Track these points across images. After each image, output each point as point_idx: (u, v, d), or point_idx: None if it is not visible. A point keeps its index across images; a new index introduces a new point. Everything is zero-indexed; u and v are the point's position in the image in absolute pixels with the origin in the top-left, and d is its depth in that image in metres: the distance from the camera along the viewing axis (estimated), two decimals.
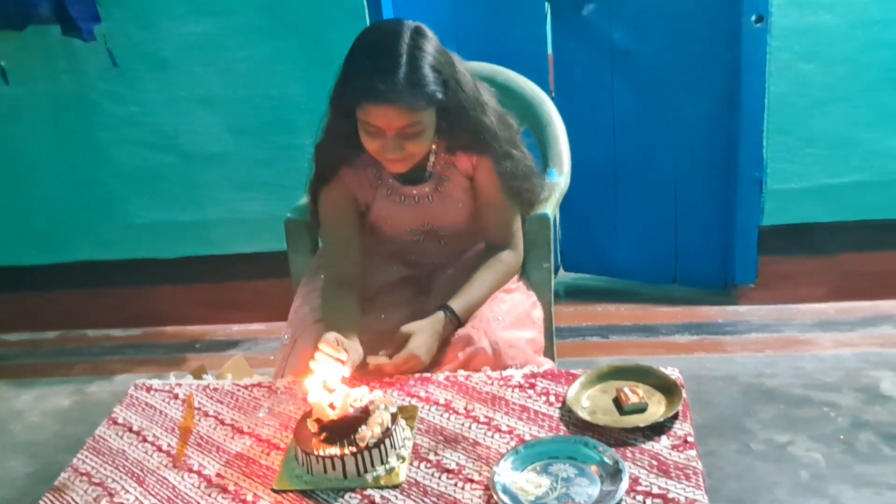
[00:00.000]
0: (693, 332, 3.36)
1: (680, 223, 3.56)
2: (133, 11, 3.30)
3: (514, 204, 2.18)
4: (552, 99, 2.58)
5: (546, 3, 3.41)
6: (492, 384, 1.85)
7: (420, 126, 1.91)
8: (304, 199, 2.49)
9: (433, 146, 2.09)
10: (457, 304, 2.05)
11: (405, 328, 1.99)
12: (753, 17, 3.08)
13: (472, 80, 2.03)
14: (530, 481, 1.52)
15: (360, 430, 1.61)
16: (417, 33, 1.90)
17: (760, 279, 3.47)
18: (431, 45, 1.91)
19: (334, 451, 1.58)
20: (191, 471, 1.69)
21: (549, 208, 2.29)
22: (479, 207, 2.18)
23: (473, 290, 2.09)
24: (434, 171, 2.13)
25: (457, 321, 2.04)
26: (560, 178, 2.43)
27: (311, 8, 3.20)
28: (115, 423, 1.89)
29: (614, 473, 1.49)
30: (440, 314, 2.03)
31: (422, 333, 1.98)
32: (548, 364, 2.07)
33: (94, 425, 1.90)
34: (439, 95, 1.91)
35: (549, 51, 3.51)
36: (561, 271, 3.82)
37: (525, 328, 2.11)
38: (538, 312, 2.22)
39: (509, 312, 2.09)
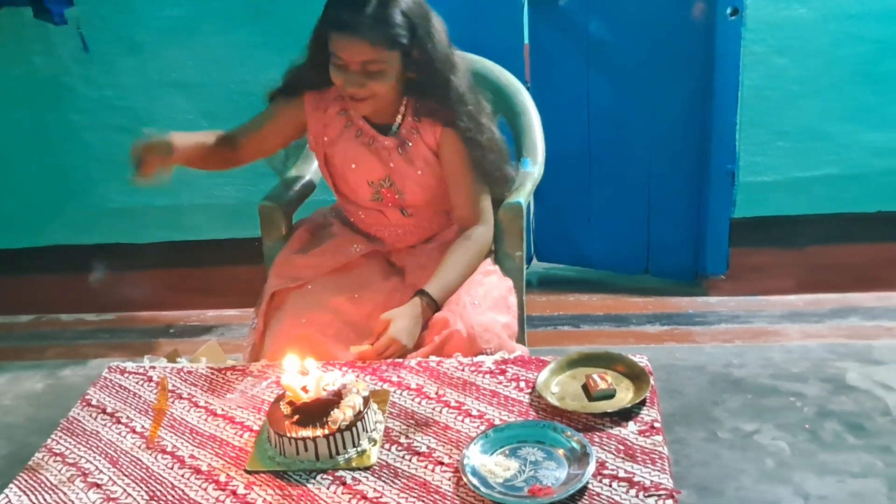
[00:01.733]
0: (663, 322, 3.39)
1: (652, 215, 3.59)
2: None
3: (480, 179, 2.20)
4: (527, 89, 2.60)
5: None
6: (463, 370, 1.87)
7: (382, 65, 1.97)
8: (279, 184, 2.52)
9: (403, 104, 2.15)
10: (433, 288, 2.08)
11: (385, 315, 2.03)
12: (728, 10, 3.11)
13: (447, 41, 2.09)
14: (499, 464, 1.54)
15: (332, 413, 1.63)
16: None
17: (731, 271, 3.51)
18: None
19: (307, 433, 1.60)
20: (164, 452, 1.71)
21: (523, 197, 2.31)
22: (448, 185, 2.21)
23: (448, 273, 2.12)
24: (401, 129, 2.17)
25: (434, 305, 2.07)
26: (534, 168, 2.45)
27: None
28: (89, 404, 1.90)
29: (581, 457, 1.52)
30: (417, 299, 2.06)
31: (402, 319, 2.01)
32: (521, 350, 2.10)
33: (67, 409, 1.90)
34: (403, 40, 1.97)
35: (526, 41, 3.52)
36: (534, 261, 3.84)
37: (501, 312, 2.13)
38: (513, 299, 2.25)
39: (486, 296, 2.12)
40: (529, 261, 3.76)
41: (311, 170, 2.63)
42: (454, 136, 2.13)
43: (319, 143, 2.24)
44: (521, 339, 2.30)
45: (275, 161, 2.53)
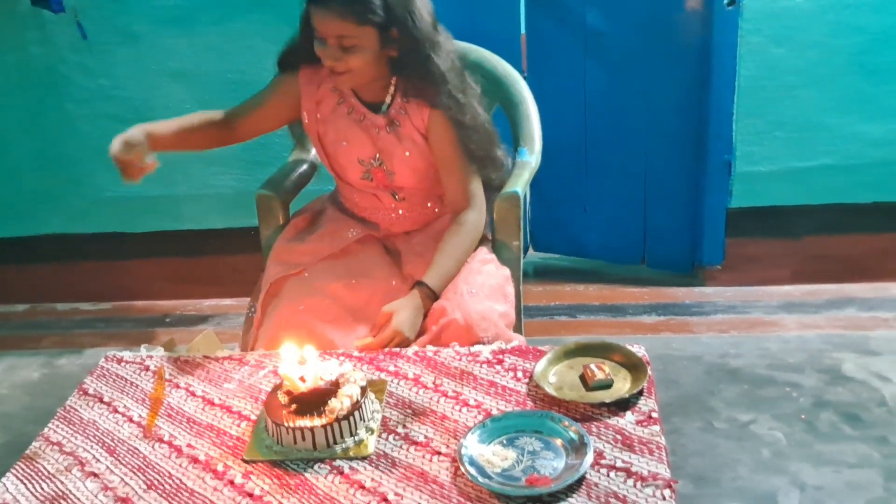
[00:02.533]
0: (660, 312, 3.39)
1: (649, 204, 3.59)
2: None
3: (469, 162, 2.21)
4: (524, 78, 2.60)
5: None
6: (460, 360, 1.87)
7: (354, 40, 1.99)
8: (276, 173, 2.53)
9: (392, 83, 2.17)
10: (430, 278, 2.09)
11: (386, 308, 2.04)
12: (726, 0, 3.10)
13: (431, 20, 2.09)
14: (497, 454, 1.54)
15: (329, 402, 1.63)
16: None
17: (727, 261, 3.51)
18: None
19: (304, 422, 1.60)
20: (161, 441, 1.71)
21: (520, 186, 2.31)
22: (438, 168, 2.22)
23: (444, 262, 2.14)
24: (390, 108, 2.18)
25: (433, 295, 2.08)
26: (531, 157, 2.45)
27: None
28: (86, 393, 1.90)
29: (579, 447, 1.52)
30: (416, 291, 2.08)
31: (403, 310, 2.03)
32: (518, 339, 2.10)
33: (63, 398, 1.90)
34: (375, 17, 1.98)
35: (523, 30, 3.52)
36: (530, 251, 3.84)
37: (498, 301, 2.14)
38: (511, 288, 2.25)
39: (483, 285, 2.12)
40: (526, 250, 3.76)
41: (308, 158, 2.63)
42: (443, 118, 2.14)
43: (312, 119, 2.24)
44: (518, 329, 2.30)
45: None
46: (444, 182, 2.23)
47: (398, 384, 1.81)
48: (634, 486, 1.45)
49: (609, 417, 1.63)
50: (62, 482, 1.62)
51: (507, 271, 2.27)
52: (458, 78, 2.16)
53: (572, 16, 3.41)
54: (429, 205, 2.32)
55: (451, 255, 2.15)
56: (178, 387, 1.89)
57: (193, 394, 1.85)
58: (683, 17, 3.26)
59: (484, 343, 1.98)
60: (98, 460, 1.67)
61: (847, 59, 3.16)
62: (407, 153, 2.19)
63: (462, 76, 2.18)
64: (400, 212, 2.31)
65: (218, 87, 3.39)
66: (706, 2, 3.17)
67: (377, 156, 2.22)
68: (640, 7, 3.31)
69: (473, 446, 1.55)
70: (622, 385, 1.71)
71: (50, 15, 3.27)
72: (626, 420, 1.62)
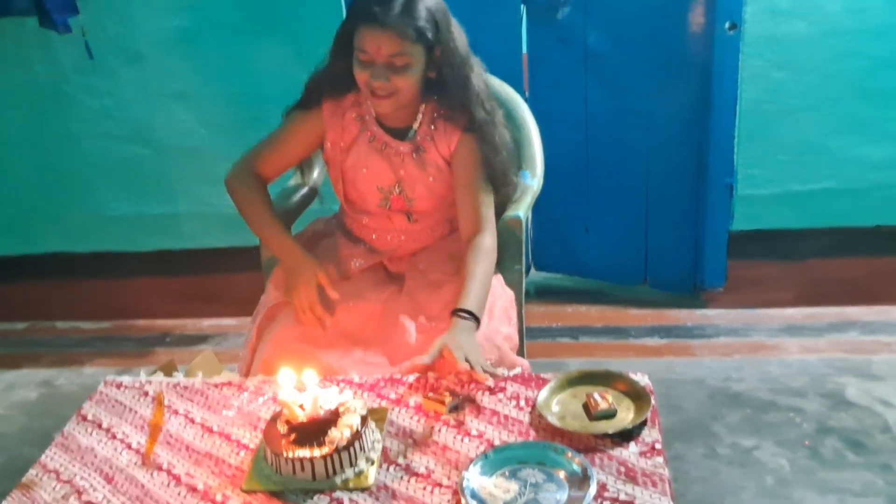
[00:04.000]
0: (662, 334, 3.38)
1: (651, 226, 3.58)
2: (111, 4, 3.28)
3: (487, 185, 2.22)
4: (526, 100, 2.60)
5: (522, 5, 3.42)
6: (462, 387, 1.85)
7: (408, 58, 2.01)
8: (278, 193, 2.52)
9: (421, 110, 2.18)
10: (470, 304, 2.01)
11: (450, 346, 1.89)
12: (727, 24, 3.11)
13: (466, 43, 2.14)
14: (499, 486, 1.53)
15: (329, 432, 1.61)
16: None
17: (729, 283, 3.50)
18: None
19: (304, 452, 1.58)
20: (160, 469, 1.69)
21: (522, 210, 2.32)
22: (455, 191, 2.23)
23: (476, 288, 2.06)
24: (417, 134, 2.20)
25: (476, 320, 2.01)
26: (533, 181, 2.45)
27: (289, 6, 3.20)
28: (85, 419, 1.88)
29: (582, 479, 1.51)
30: (461, 321, 1.98)
31: (458, 340, 1.92)
32: (521, 363, 2.10)
33: (61, 418, 1.89)
34: (429, 34, 2.02)
35: (524, 51, 3.52)
36: (532, 270, 3.84)
37: (502, 323, 2.14)
38: (514, 311, 2.25)
39: (489, 307, 2.11)
40: (528, 270, 3.75)
41: (311, 179, 2.63)
42: (472, 142, 2.17)
43: (337, 150, 2.25)
44: (520, 352, 2.29)
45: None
46: (460, 205, 2.23)
47: (399, 412, 1.79)
48: None
49: (612, 448, 1.62)
50: None
51: (511, 294, 2.27)
52: (489, 100, 2.21)
53: (573, 37, 3.41)
54: (439, 227, 2.33)
55: (482, 282, 2.08)
56: (177, 413, 1.87)
57: (192, 420, 1.84)
58: (685, 40, 3.26)
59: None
60: (95, 489, 1.65)
61: (848, 84, 3.17)
62: (431, 178, 2.21)
63: (491, 97, 2.23)
64: (410, 233, 2.31)
65: (221, 108, 3.39)
66: (707, 25, 3.17)
67: (398, 183, 2.23)
68: (641, 29, 3.31)
69: (475, 478, 1.54)
70: (625, 415, 1.70)
71: (55, 35, 3.27)
72: (630, 451, 1.61)
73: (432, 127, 2.19)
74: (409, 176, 2.21)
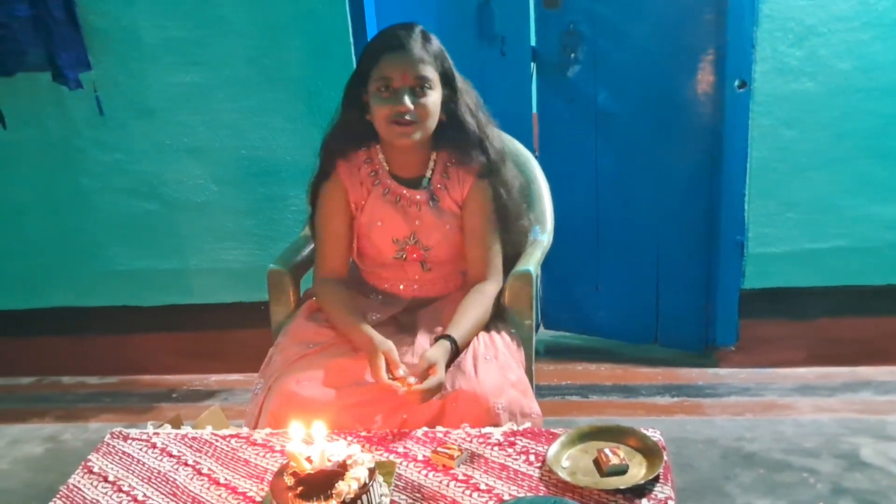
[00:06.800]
0: (673, 393, 3.35)
1: (661, 284, 3.57)
2: (122, 60, 3.30)
3: (496, 233, 2.26)
4: (536, 158, 2.61)
5: (532, 63, 3.45)
6: (471, 441, 1.83)
7: (430, 84, 2.09)
8: (288, 248, 2.52)
9: (433, 158, 2.23)
10: (457, 333, 2.09)
11: (430, 357, 1.99)
12: (737, 83, 3.12)
13: (475, 94, 2.26)
14: None
15: (336, 485, 1.59)
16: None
17: (741, 342, 3.48)
18: (438, 41, 2.18)
19: None
20: None
21: (532, 265, 2.31)
22: (466, 237, 2.26)
23: (465, 322, 2.13)
24: (431, 180, 2.23)
25: (457, 350, 2.08)
26: (543, 237, 2.45)
27: (300, 61, 3.23)
28: (91, 472, 1.86)
29: None
30: (447, 343, 2.06)
31: (442, 362, 2.00)
32: (534, 410, 2.09)
33: (66, 474, 1.87)
34: (445, 65, 2.14)
35: (534, 110, 3.54)
36: (541, 329, 3.82)
37: (510, 370, 2.13)
38: (521, 354, 2.26)
39: (496, 353, 2.13)
40: (537, 328, 3.73)
41: None
42: (483, 189, 2.22)
43: (357, 207, 2.28)
44: None
45: None
46: (470, 251, 2.27)
47: (407, 466, 1.77)
48: None
49: None
50: None
51: (517, 340, 2.27)
52: (499, 142, 2.27)
53: (583, 96, 3.43)
54: (452, 278, 2.35)
55: (472, 317, 2.16)
56: (185, 464, 1.86)
57: (200, 472, 1.82)
58: (694, 98, 3.28)
59: (497, 409, 1.96)
60: None
61: (858, 142, 3.17)
62: (447, 227, 2.24)
63: (501, 140, 2.29)
64: (424, 282, 2.32)
65: (232, 163, 3.41)
66: (717, 84, 3.19)
67: (413, 234, 2.25)
68: (650, 88, 3.33)
69: None
70: (637, 471, 1.67)
71: (67, 90, 3.30)
72: None
73: (445, 176, 2.23)
74: (425, 225, 2.24)
